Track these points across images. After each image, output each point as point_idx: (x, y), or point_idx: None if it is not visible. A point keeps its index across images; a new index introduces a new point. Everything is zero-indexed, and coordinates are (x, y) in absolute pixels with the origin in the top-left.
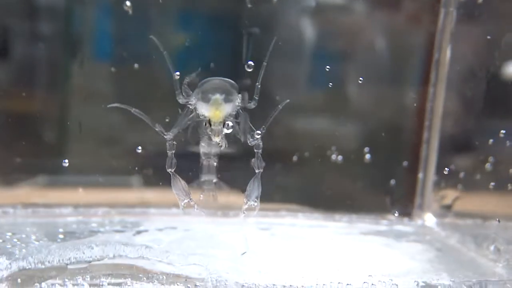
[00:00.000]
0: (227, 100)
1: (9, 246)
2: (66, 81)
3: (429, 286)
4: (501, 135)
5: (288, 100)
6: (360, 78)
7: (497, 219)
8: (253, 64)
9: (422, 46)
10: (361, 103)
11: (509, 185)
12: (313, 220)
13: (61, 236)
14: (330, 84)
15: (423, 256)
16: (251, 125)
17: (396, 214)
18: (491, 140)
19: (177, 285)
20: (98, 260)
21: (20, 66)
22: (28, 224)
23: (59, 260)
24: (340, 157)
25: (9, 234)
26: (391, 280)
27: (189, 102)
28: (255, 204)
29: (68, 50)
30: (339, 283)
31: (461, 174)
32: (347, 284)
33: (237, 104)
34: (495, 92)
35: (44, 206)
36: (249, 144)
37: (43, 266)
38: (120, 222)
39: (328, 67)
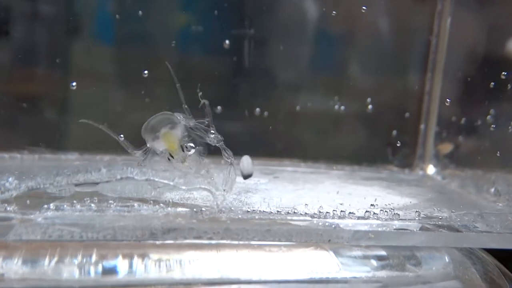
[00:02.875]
0: (173, 128)
1: (16, 180)
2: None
3: (430, 217)
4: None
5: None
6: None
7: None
8: None
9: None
10: (365, 57)
11: (509, 127)
12: (315, 168)
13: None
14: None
15: (424, 197)
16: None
17: (399, 144)
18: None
19: (184, 208)
20: (106, 181)
21: (21, 46)
22: (35, 166)
23: (67, 182)
24: (343, 107)
25: (16, 172)
26: (393, 209)
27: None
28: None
29: (70, 31)
30: (341, 211)
31: (463, 125)
32: (350, 213)
33: (182, 126)
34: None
35: (51, 152)
36: (213, 144)
37: (51, 187)
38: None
39: None
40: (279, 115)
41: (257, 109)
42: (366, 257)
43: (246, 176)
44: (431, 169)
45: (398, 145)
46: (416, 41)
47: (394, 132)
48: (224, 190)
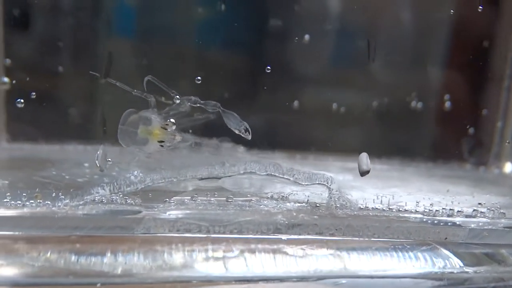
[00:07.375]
0: (145, 120)
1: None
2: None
3: None
4: None
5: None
6: None
7: None
8: None
9: None
10: (443, 53)
11: None
12: (390, 165)
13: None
14: None
15: None
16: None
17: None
18: None
19: (300, 204)
20: (229, 176)
21: (41, 40)
22: None
23: (191, 176)
24: (420, 104)
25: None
26: (499, 208)
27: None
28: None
29: (92, 24)
30: (450, 209)
31: None
32: (458, 211)
33: (153, 111)
34: None
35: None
36: (189, 104)
37: (174, 180)
38: None
39: None
40: (354, 112)
41: (334, 104)
42: (474, 254)
43: (364, 173)
44: (508, 167)
45: (474, 143)
46: (497, 39)
47: (471, 130)
48: (246, 132)
